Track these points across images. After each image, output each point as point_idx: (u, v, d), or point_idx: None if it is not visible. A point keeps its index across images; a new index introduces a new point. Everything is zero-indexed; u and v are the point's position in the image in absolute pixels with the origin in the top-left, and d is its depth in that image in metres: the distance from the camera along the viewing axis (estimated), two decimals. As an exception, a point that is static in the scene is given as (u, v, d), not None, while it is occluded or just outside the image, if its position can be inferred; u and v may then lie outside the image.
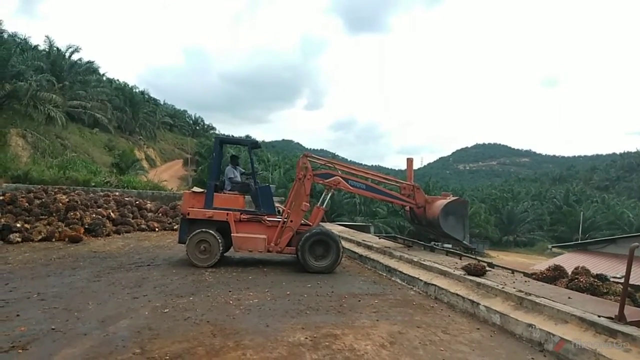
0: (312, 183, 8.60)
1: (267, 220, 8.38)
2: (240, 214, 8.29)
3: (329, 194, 8.82)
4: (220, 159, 8.99)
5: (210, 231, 8.07)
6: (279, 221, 8.36)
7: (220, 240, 8.09)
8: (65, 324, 4.46)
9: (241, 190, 8.79)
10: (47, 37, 36.84)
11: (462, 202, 9.53)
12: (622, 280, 4.55)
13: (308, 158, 8.68)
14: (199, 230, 8.03)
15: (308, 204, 8.52)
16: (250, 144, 9.40)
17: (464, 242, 9.12)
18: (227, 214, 8.20)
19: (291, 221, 8.33)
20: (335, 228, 14.16)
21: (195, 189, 8.85)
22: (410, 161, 9.96)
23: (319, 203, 8.79)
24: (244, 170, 9.61)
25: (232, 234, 8.17)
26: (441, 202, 8.86)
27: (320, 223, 15.65)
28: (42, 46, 35.19)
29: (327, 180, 8.63)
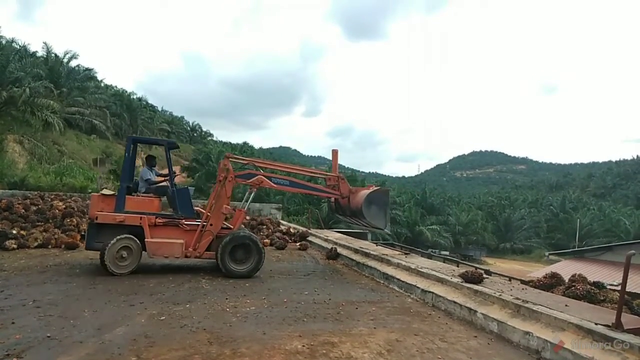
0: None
1: (185, 224, 8.02)
2: (156, 217, 7.82)
3: (252, 195, 8.77)
4: (133, 160, 8.46)
5: (133, 237, 7.56)
6: (198, 225, 8.07)
7: (140, 246, 7.67)
8: (61, 332, 4.43)
9: (157, 193, 8.35)
10: (45, 43, 36.97)
11: (384, 191, 9.65)
12: (619, 288, 4.55)
13: (230, 159, 8.48)
14: (122, 235, 7.47)
15: (229, 207, 8.32)
16: (167, 144, 8.84)
17: (385, 230, 9.38)
18: (141, 217, 7.69)
19: (211, 224, 8.04)
20: (332, 235, 14.15)
21: (105, 191, 8.32)
22: (335, 153, 10.11)
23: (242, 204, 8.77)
24: (159, 172, 9.15)
25: (145, 240, 7.63)
26: (364, 192, 9.09)
27: (315, 230, 15.72)
28: (40, 52, 35.21)
29: (249, 181, 8.50)
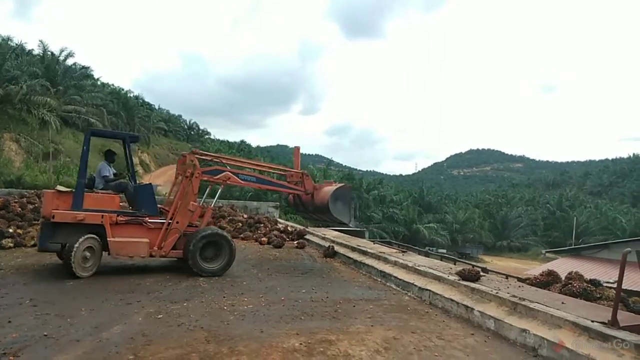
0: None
1: (149, 222, 7.63)
2: (117, 215, 7.38)
3: (219, 191, 8.65)
4: (88, 154, 7.83)
5: (95, 236, 7.12)
6: (162, 223, 7.72)
7: (102, 247, 7.28)
8: (57, 330, 4.42)
9: (116, 189, 7.91)
10: (40, 41, 36.73)
11: (348, 187, 10.07)
12: (615, 285, 4.58)
13: (196, 155, 8.25)
14: (88, 235, 7.00)
15: (196, 204, 8.05)
16: (127, 137, 8.49)
17: (350, 224, 9.66)
18: (102, 216, 7.21)
19: (177, 222, 7.72)
20: (330, 233, 14.15)
21: (60, 187, 7.66)
22: (297, 150, 10.36)
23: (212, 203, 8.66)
24: (115, 171, 8.60)
25: (108, 239, 7.18)
26: (329, 188, 9.31)
27: (313, 228, 15.71)
28: (37, 50, 35.08)
29: (216, 177, 8.27)
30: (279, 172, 9.88)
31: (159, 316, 5.11)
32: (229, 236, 8.36)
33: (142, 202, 7.80)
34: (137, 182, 8.16)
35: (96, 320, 4.85)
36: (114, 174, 8.30)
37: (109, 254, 7.32)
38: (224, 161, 8.96)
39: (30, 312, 5.05)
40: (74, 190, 7.30)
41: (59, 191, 7.32)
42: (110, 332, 4.47)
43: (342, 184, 9.75)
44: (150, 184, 8.40)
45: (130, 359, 3.80)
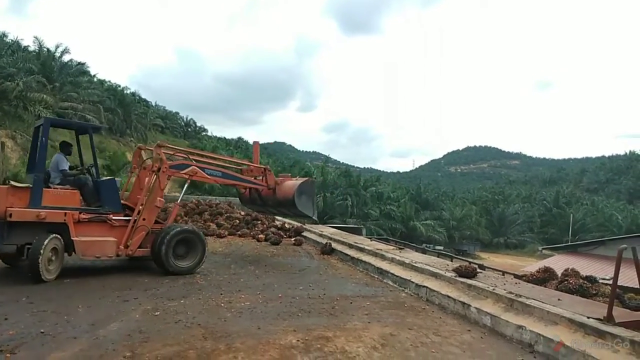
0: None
1: (114, 220, 7.21)
2: (80, 213, 6.86)
3: (185, 187, 8.40)
4: (47, 146, 7.19)
5: (58, 236, 6.57)
6: (127, 220, 7.32)
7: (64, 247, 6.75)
8: (54, 328, 4.42)
9: (74, 185, 7.26)
10: (36, 37, 36.60)
11: (312, 181, 10.07)
12: (610, 282, 4.59)
13: (163, 149, 7.89)
14: (53, 235, 6.45)
15: (163, 200, 7.70)
16: (90, 128, 7.91)
17: (314, 217, 9.71)
18: (65, 213, 6.66)
19: (144, 219, 7.34)
20: (327, 230, 14.17)
21: (13, 182, 7.07)
22: (256, 145, 10.52)
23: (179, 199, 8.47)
24: (66, 166, 7.82)
25: (73, 238, 6.67)
26: (293, 183, 9.41)
27: (310, 225, 15.72)
28: (32, 47, 34.92)
29: (183, 172, 7.93)
30: (240, 167, 9.74)
31: (156, 313, 5.10)
32: (202, 233, 8.20)
33: (105, 198, 7.32)
34: (100, 176, 7.70)
35: (93, 317, 4.84)
36: (71, 168, 7.68)
37: (69, 255, 6.91)
38: (189, 156, 8.75)
39: (27, 309, 5.04)
40: (30, 186, 6.59)
41: (14, 187, 6.62)
42: (107, 329, 4.46)
43: (306, 178, 9.92)
44: (113, 178, 7.95)
45: (128, 355, 3.80)
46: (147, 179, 7.85)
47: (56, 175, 7.26)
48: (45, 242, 6.28)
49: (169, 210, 8.93)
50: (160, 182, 7.54)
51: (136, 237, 7.31)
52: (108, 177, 7.74)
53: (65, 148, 7.78)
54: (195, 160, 8.40)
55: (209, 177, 8.45)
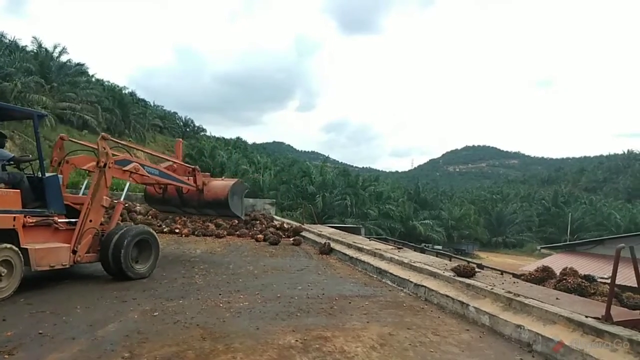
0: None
1: (61, 223, 6.39)
2: (25, 216, 5.88)
3: (127, 185, 8.00)
4: None
5: (13, 246, 5.56)
6: (72, 222, 6.54)
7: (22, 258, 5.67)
8: (53, 328, 4.41)
9: (9, 183, 6.10)
10: (34, 37, 36.58)
11: (242, 182, 10.26)
12: (609, 281, 4.60)
13: (107, 141, 7.05)
14: (2, 246, 5.44)
15: (109, 198, 7.00)
16: (35, 115, 7.00)
17: (242, 217, 9.83)
18: (15, 217, 5.69)
19: (90, 221, 6.55)
20: (326, 230, 14.17)
21: None
22: (178, 142, 10.43)
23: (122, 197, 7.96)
24: (12, 155, 6.95)
25: (26, 247, 5.71)
26: (225, 184, 9.36)
27: (309, 225, 15.72)
28: (30, 47, 34.88)
29: (126, 168, 7.25)
30: (170, 162, 9.31)
31: (155, 314, 5.10)
32: (155, 233, 7.65)
33: (50, 198, 6.40)
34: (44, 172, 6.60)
35: (91, 318, 4.83)
36: (11, 160, 6.63)
37: None
38: (130, 151, 8.21)
39: (25, 310, 5.03)
40: None
41: None
42: (105, 329, 4.46)
43: (236, 179, 10.02)
44: (56, 175, 6.97)
45: (126, 356, 3.79)
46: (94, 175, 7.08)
47: None
48: None
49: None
50: (106, 179, 6.80)
51: (84, 241, 6.51)
52: (51, 174, 6.80)
53: None
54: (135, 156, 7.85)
55: (149, 175, 7.87)
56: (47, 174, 6.57)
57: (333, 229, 15.04)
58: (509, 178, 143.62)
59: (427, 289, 6.45)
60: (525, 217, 68.59)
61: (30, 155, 7.26)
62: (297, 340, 4.33)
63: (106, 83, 57.89)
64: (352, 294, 6.65)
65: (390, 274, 7.64)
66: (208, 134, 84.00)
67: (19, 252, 5.62)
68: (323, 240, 11.60)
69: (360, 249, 9.74)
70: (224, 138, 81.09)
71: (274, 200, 25.13)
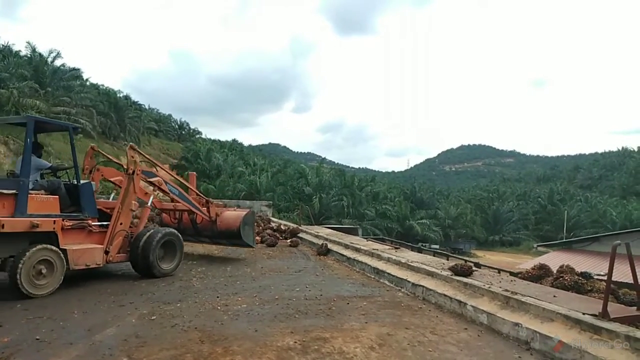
0: None
1: (95, 226, 6.95)
2: (63, 220, 6.45)
3: (153, 195, 8.46)
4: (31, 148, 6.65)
5: (53, 247, 6.14)
6: (104, 225, 7.09)
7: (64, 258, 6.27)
8: (50, 334, 4.39)
9: (49, 189, 6.72)
10: (28, 42, 36.44)
11: (253, 212, 10.67)
12: (605, 278, 4.62)
13: (135, 151, 7.78)
14: (41, 246, 5.98)
15: (137, 203, 7.62)
16: (71, 128, 7.59)
17: (254, 246, 10.04)
18: (55, 221, 6.25)
19: (121, 224, 7.19)
20: (323, 231, 14.17)
21: None
22: (192, 176, 10.68)
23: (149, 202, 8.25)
24: (50, 164, 7.61)
25: (66, 248, 6.31)
26: (237, 214, 9.67)
27: (306, 226, 15.73)
28: (24, 51, 34.76)
29: (151, 179, 8.05)
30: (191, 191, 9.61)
31: (153, 317, 5.09)
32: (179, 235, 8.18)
33: (84, 203, 6.95)
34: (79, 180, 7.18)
35: (89, 322, 4.82)
36: (49, 169, 7.31)
37: None
38: (157, 166, 8.91)
39: (22, 315, 5.01)
40: (16, 192, 6.00)
41: (0, 194, 5.93)
42: (103, 334, 4.44)
43: (247, 210, 10.46)
44: (90, 182, 7.50)
45: (124, 360, 3.78)
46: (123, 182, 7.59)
47: (32, 179, 6.62)
48: (28, 255, 5.83)
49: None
50: (135, 185, 7.45)
51: (115, 242, 7.13)
52: (85, 181, 7.36)
53: (35, 150, 6.99)
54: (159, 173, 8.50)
55: (169, 192, 8.44)
56: (82, 182, 7.16)
57: (330, 230, 15.05)
58: (504, 176, 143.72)
59: (425, 288, 6.46)
60: (521, 215, 68.84)
61: (66, 164, 7.86)
62: (295, 342, 4.33)
63: (101, 87, 57.74)
64: (350, 294, 6.65)
65: (388, 274, 7.65)
66: (204, 136, 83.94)
67: (60, 252, 6.18)
68: (320, 242, 11.60)
69: (357, 250, 9.75)
70: (219, 140, 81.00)
71: (271, 202, 25.15)
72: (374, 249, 9.32)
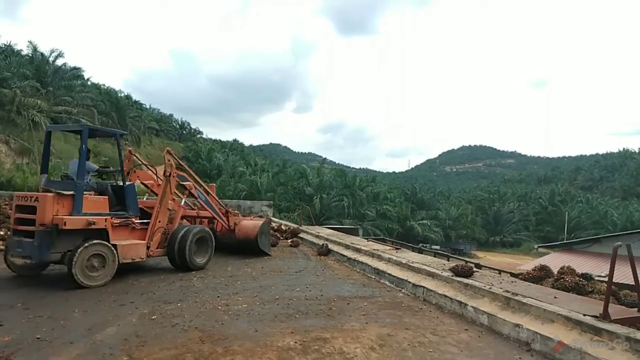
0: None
1: (137, 224, 7.68)
2: (111, 218, 7.17)
3: (186, 197, 9.20)
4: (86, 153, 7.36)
5: (105, 242, 6.83)
6: (145, 223, 7.81)
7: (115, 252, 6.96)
8: (50, 333, 4.40)
9: (99, 190, 7.51)
10: (30, 42, 36.46)
11: (268, 221, 11.31)
12: (606, 279, 4.62)
13: (171, 155, 8.57)
14: (94, 241, 6.64)
15: (174, 202, 8.43)
16: (118, 134, 8.31)
17: (270, 253, 10.50)
18: (106, 219, 7.00)
19: (159, 221, 7.99)
20: (323, 231, 14.17)
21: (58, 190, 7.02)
22: (212, 187, 11.04)
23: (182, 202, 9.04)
24: (97, 167, 8.33)
25: (112, 243, 6.96)
26: (254, 224, 10.43)
27: (307, 226, 15.72)
28: (26, 51, 34.80)
29: (183, 182, 8.97)
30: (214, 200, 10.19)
31: (153, 317, 5.09)
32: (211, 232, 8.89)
33: (129, 203, 7.64)
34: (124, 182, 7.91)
35: (90, 322, 4.82)
36: (97, 171, 8.07)
37: None
38: (189, 172, 9.47)
39: (23, 315, 5.02)
40: (73, 193, 6.69)
41: (59, 194, 6.62)
42: (104, 333, 4.45)
43: (264, 220, 11.05)
44: (133, 183, 8.20)
45: (125, 360, 3.78)
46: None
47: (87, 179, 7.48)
48: (81, 249, 6.45)
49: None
50: (171, 186, 8.28)
51: (155, 238, 7.87)
52: (130, 183, 8.02)
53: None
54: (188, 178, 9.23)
55: (197, 196, 9.35)
56: (127, 183, 7.85)
57: (331, 230, 15.04)
58: (505, 177, 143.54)
59: (426, 289, 6.45)
60: (522, 216, 68.76)
61: (111, 167, 8.71)
62: (296, 342, 4.33)
63: (102, 86, 57.79)
64: (351, 294, 6.65)
65: (389, 274, 7.65)
66: (205, 136, 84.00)
67: (111, 247, 6.85)
68: (321, 242, 11.60)
69: (358, 250, 9.74)
70: (220, 140, 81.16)
71: (272, 202, 25.14)
72: (374, 250, 9.32)
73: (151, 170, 9.60)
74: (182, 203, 8.90)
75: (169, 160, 8.36)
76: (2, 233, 10.21)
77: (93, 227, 6.77)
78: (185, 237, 8.00)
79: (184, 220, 9.77)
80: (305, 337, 4.51)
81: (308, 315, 5.42)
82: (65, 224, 6.42)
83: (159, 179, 8.94)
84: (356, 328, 4.90)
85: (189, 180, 9.08)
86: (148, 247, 7.70)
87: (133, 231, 7.63)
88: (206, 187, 9.96)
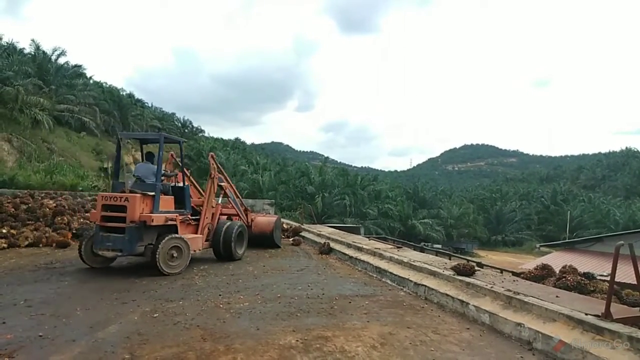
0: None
1: (192, 220, 8.76)
2: (176, 215, 8.18)
3: (222, 196, 10.19)
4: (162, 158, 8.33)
5: (181, 235, 7.93)
6: (198, 219, 8.91)
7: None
8: (53, 331, 4.41)
9: (164, 191, 8.25)
10: (32, 40, 36.53)
11: (279, 217, 12.92)
12: (608, 278, 4.61)
13: (214, 159, 9.82)
14: (173, 235, 7.70)
15: (216, 201, 9.50)
16: (181, 142, 9.40)
17: (281, 246, 11.64)
18: (176, 216, 8.12)
19: (207, 217, 9.04)
20: (325, 230, 14.17)
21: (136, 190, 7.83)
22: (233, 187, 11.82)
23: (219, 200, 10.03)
24: (163, 171, 8.99)
25: (184, 237, 7.99)
26: (268, 220, 11.76)
27: (308, 225, 15.72)
28: (28, 49, 34.82)
29: (221, 183, 10.10)
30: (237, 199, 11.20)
31: (155, 315, 5.10)
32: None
33: (186, 202, 8.63)
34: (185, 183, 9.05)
35: (92, 319, 4.84)
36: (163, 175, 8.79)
37: None
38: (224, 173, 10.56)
39: (25, 312, 5.03)
40: (154, 194, 7.65)
41: (144, 195, 7.50)
42: (106, 331, 4.46)
43: (277, 217, 12.66)
44: (188, 185, 9.15)
45: (127, 358, 3.79)
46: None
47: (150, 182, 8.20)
48: (163, 242, 7.42)
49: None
50: (214, 186, 9.37)
51: (204, 232, 8.93)
52: (186, 184, 8.97)
53: (150, 157, 8.75)
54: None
55: (229, 196, 10.53)
56: (185, 184, 8.86)
57: (332, 229, 15.04)
58: (507, 176, 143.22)
59: (427, 287, 6.45)
60: (524, 215, 68.60)
61: (176, 171, 9.76)
62: (297, 340, 4.34)
63: (104, 85, 57.80)
64: (352, 293, 6.65)
65: (390, 273, 7.64)
66: (207, 134, 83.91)
67: (185, 240, 7.85)
68: (322, 240, 11.60)
69: (359, 249, 9.74)
70: (222, 139, 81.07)
71: (273, 200, 25.14)
72: (376, 248, 9.31)
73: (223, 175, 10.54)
74: (219, 201, 9.74)
75: (213, 164, 9.54)
76: (4, 231, 10.23)
77: (169, 223, 7.83)
78: (229, 231, 9.15)
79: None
80: (306, 335, 4.51)
81: (309, 313, 5.43)
82: (152, 221, 7.40)
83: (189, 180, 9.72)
84: (358, 327, 4.90)
85: (225, 182, 10.22)
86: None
87: (188, 226, 8.65)
88: (234, 188, 10.93)
